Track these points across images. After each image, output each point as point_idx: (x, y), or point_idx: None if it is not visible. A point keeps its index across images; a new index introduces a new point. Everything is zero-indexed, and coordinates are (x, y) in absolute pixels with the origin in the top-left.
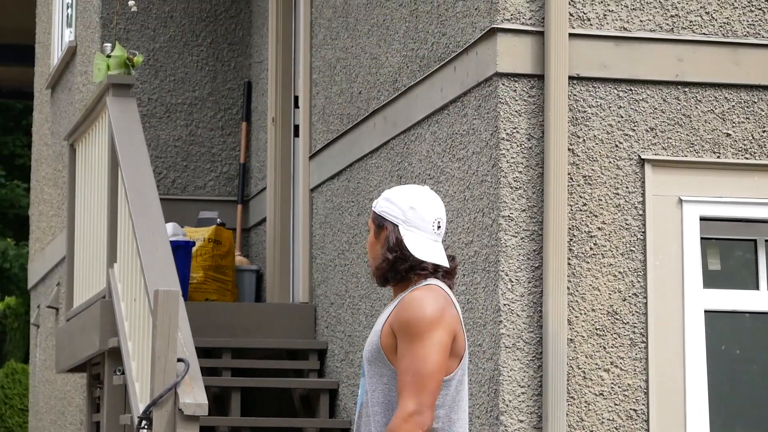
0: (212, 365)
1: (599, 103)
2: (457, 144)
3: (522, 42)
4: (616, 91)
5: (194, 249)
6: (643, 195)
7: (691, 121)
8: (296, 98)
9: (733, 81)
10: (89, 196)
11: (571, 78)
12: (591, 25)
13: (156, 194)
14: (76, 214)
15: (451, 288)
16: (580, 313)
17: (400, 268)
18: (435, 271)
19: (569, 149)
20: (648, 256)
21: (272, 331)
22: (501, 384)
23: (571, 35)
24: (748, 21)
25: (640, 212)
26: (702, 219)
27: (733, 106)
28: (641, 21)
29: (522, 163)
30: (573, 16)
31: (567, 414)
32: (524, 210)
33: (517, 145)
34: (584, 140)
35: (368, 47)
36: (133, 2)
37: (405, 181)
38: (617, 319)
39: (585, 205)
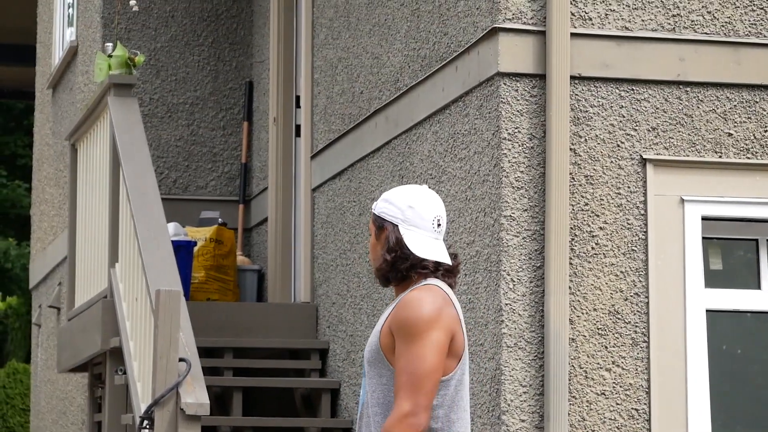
0: (214, 365)
1: (601, 103)
2: (459, 144)
3: (524, 41)
4: (617, 91)
5: (196, 249)
6: (645, 195)
7: (692, 120)
8: (298, 98)
9: (734, 81)
10: (91, 196)
11: (572, 78)
12: (593, 24)
13: (157, 194)
14: (77, 214)
15: (453, 287)
16: (582, 313)
17: (400, 268)
18: (436, 269)
19: (571, 149)
20: (650, 255)
21: (274, 331)
22: (503, 383)
23: (572, 35)
24: (749, 20)
25: (642, 212)
26: (704, 219)
27: (735, 105)
28: (643, 20)
29: (524, 162)
30: (574, 16)
31: (569, 413)
32: (526, 210)
33: (519, 145)
34: (586, 140)
35: (370, 47)
36: (135, 2)
37: (407, 181)
38: (619, 318)
39: (587, 204)
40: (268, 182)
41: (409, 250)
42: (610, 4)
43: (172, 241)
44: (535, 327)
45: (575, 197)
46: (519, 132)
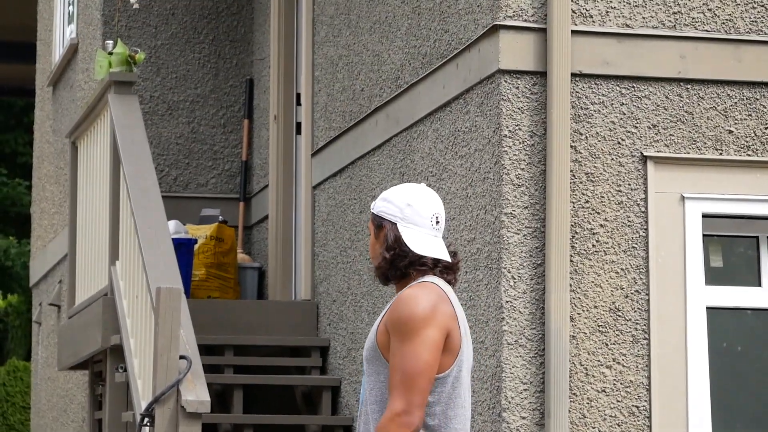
0: (214, 362)
1: (602, 100)
2: (460, 141)
3: (524, 39)
4: (618, 88)
5: (196, 246)
6: (646, 192)
7: (693, 118)
8: (298, 95)
9: (735, 78)
10: (91, 194)
11: (573, 75)
12: (593, 22)
13: (158, 192)
14: (77, 212)
15: (452, 284)
16: (583, 310)
17: (399, 265)
18: (434, 266)
19: (572, 146)
20: (650, 253)
21: (274, 329)
22: (503, 381)
23: (573, 32)
24: (750, 18)
25: (643, 209)
26: (704, 216)
27: (736, 103)
28: (643, 18)
29: (524, 160)
30: (575, 13)
31: (569, 411)
32: (526, 207)
33: (520, 142)
34: (586, 137)
35: (370, 44)
36: None
37: (407, 179)
38: (619, 315)
39: (587, 202)
40: (268, 180)
41: (407, 247)
42: (610, 2)
43: (173, 239)
44: (536, 324)
45: (576, 194)
46: (520, 129)
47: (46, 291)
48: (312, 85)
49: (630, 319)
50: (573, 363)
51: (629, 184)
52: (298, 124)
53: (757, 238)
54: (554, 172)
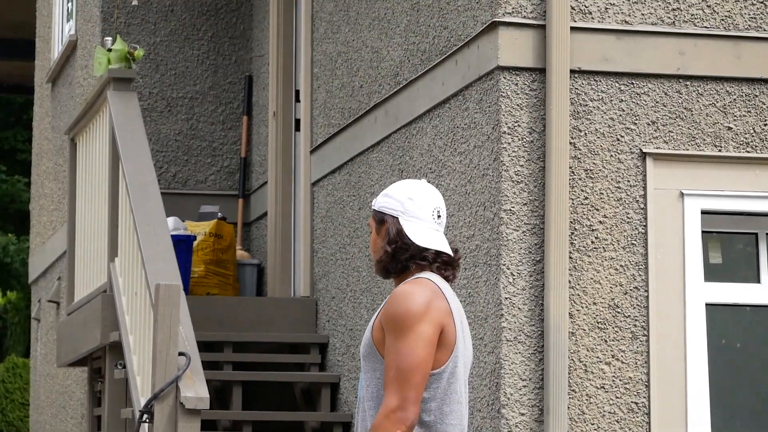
0: (213, 359)
1: (601, 97)
2: (459, 138)
3: (523, 35)
4: (617, 85)
5: (195, 243)
6: (645, 188)
7: (692, 114)
8: (297, 92)
9: (734, 74)
10: (90, 191)
11: (572, 71)
12: (592, 18)
13: (157, 188)
14: (76, 209)
15: (451, 280)
16: (582, 307)
17: (401, 258)
18: (435, 260)
19: (571, 143)
20: (649, 249)
21: (273, 325)
22: (502, 377)
23: (572, 29)
24: (749, 14)
25: (642, 206)
26: (703, 212)
27: (735, 99)
28: (643, 14)
29: (523, 156)
30: (574, 10)
31: (568, 407)
32: (526, 204)
33: (519, 139)
34: (586, 134)
35: (369, 41)
36: None
37: (406, 175)
38: (618, 312)
39: (586, 198)
40: (267, 176)
41: (410, 240)
42: None
43: (172, 236)
44: (535, 321)
45: (575, 191)
46: (519, 126)
47: (45, 288)
48: (311, 81)
49: (629, 316)
50: (572, 360)
51: (628, 181)
52: (297, 121)
53: (756, 234)
54: (553, 168)
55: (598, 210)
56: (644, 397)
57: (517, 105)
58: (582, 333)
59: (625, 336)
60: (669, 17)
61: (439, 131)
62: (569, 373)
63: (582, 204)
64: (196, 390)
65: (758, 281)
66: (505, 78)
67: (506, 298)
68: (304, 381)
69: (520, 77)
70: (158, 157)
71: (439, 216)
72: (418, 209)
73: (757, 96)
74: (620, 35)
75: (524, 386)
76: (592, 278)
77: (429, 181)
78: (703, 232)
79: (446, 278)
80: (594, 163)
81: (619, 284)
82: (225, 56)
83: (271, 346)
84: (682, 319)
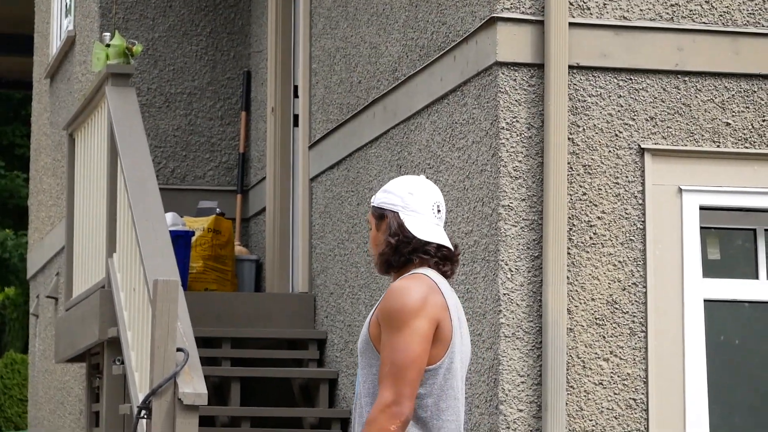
0: (212, 355)
1: (599, 93)
2: (457, 133)
3: (522, 31)
4: (616, 81)
5: (194, 239)
6: (643, 184)
7: (690, 110)
8: (296, 88)
9: (733, 70)
10: (88, 186)
11: (571, 67)
12: (591, 14)
13: (155, 184)
14: (75, 204)
15: (451, 275)
16: (580, 303)
17: (404, 251)
18: (437, 253)
19: (569, 138)
20: (648, 245)
21: (272, 321)
22: (500, 373)
23: (571, 24)
24: (748, 10)
25: (640, 202)
26: (701, 208)
27: (733, 95)
28: (641, 10)
29: (522, 152)
30: (573, 5)
31: (566, 403)
32: (524, 199)
33: (517, 135)
34: (584, 129)
35: (368, 36)
36: None
37: (405, 171)
38: (617, 308)
39: (585, 194)
40: (266, 172)
41: (411, 233)
42: None
43: (170, 231)
44: (533, 317)
45: (573, 187)
46: (517, 121)
47: (43, 283)
48: (309, 77)
49: (627, 312)
50: (570, 355)
51: (627, 177)
52: (296, 117)
53: (754, 230)
54: (552, 164)
55: (596, 206)
56: (642, 393)
57: (516, 100)
58: (580, 329)
59: (623, 332)
60: (667, 13)
61: (438, 127)
62: (567, 369)
63: (580, 200)
64: (194, 386)
65: (756, 277)
66: (503, 74)
67: (504, 294)
68: (302, 377)
69: (518, 73)
70: (157, 153)
71: (438, 210)
72: (418, 204)
73: (755, 92)
74: (618, 31)
75: (522, 382)
76: (590, 274)
77: (427, 177)
78: (701, 227)
79: (444, 274)
80: (592, 159)
81: (618, 280)
82: (223, 52)
83: (269, 341)
84: (680, 315)
